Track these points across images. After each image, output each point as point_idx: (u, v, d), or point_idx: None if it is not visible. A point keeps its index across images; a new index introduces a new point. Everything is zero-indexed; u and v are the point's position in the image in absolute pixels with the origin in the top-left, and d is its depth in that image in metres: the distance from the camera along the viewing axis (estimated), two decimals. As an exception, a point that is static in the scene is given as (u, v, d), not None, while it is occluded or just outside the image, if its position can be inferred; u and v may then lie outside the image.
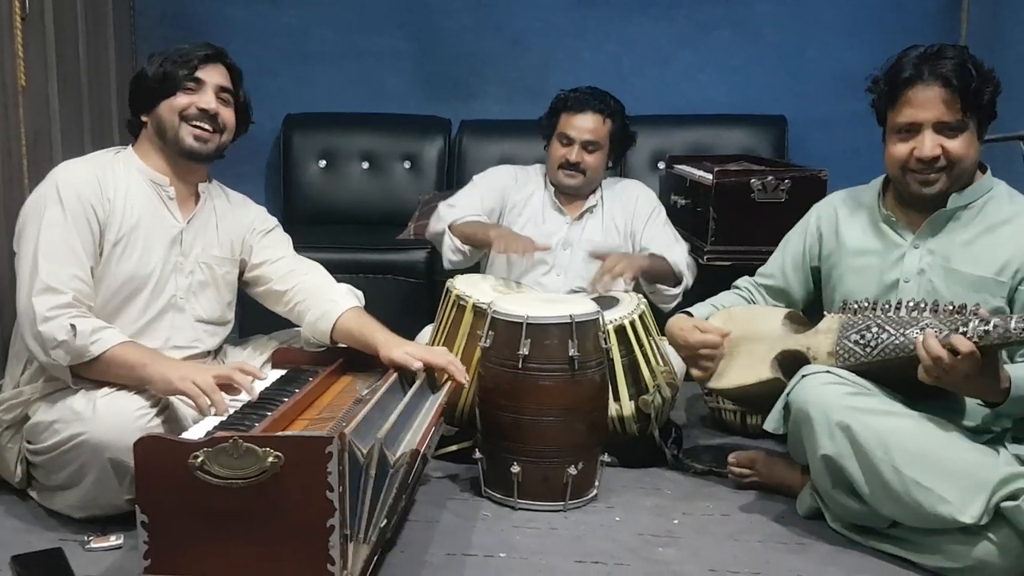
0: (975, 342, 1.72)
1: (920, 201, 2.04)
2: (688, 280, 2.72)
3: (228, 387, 1.88)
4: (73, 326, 1.87)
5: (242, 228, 2.24)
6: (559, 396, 2.10)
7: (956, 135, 1.95)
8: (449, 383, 2.09)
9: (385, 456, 1.63)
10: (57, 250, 1.93)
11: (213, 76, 2.11)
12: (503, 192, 2.84)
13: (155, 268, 2.06)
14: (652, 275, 2.66)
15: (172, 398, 1.92)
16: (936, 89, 1.94)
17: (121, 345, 1.90)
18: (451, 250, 2.74)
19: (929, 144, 1.96)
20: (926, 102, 1.95)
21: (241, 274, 2.27)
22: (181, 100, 2.07)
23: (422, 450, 1.76)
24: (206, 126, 2.09)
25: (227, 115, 2.13)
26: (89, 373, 1.91)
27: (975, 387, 1.81)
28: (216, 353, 2.24)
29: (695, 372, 2.24)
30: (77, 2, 2.99)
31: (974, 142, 1.97)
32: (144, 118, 2.11)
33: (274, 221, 2.32)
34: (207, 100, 2.08)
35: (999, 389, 1.80)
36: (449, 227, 2.73)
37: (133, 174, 2.09)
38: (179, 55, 2.08)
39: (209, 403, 1.82)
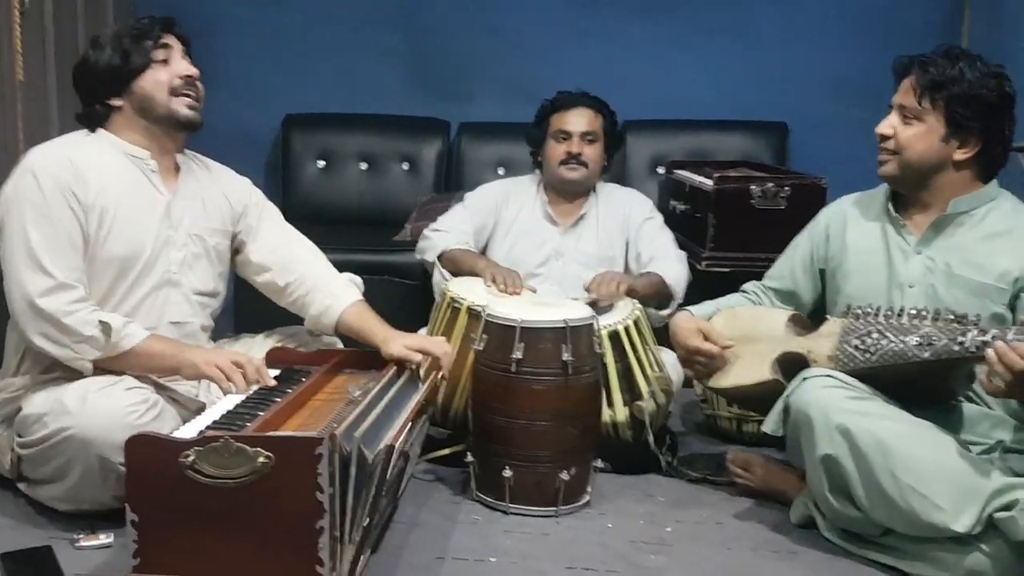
0: None
1: (891, 185, 2.10)
2: (680, 298, 2.64)
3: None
4: (103, 322, 1.88)
5: (232, 200, 2.20)
6: (552, 400, 2.09)
7: (910, 123, 2.00)
8: (431, 378, 2.07)
9: (363, 454, 1.61)
10: (55, 243, 1.90)
11: (176, 43, 2.06)
12: (494, 211, 2.84)
13: (146, 245, 2.02)
14: (642, 297, 2.53)
15: (163, 397, 1.94)
16: (911, 76, 2.00)
17: (148, 339, 1.94)
18: (438, 282, 2.71)
19: (885, 121, 2.04)
20: (903, 87, 2.03)
21: (236, 252, 2.23)
22: (163, 75, 2.01)
23: (396, 445, 1.74)
24: (193, 93, 2.05)
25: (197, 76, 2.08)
26: (112, 365, 1.92)
27: None
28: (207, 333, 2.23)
29: (688, 371, 2.27)
30: (77, -3, 3.00)
31: (930, 140, 1.98)
32: (118, 103, 2.04)
33: (260, 193, 2.28)
34: (186, 66, 2.04)
35: None
36: (438, 258, 2.73)
37: (109, 152, 2.02)
38: (134, 31, 2.01)
39: (230, 383, 1.89)
